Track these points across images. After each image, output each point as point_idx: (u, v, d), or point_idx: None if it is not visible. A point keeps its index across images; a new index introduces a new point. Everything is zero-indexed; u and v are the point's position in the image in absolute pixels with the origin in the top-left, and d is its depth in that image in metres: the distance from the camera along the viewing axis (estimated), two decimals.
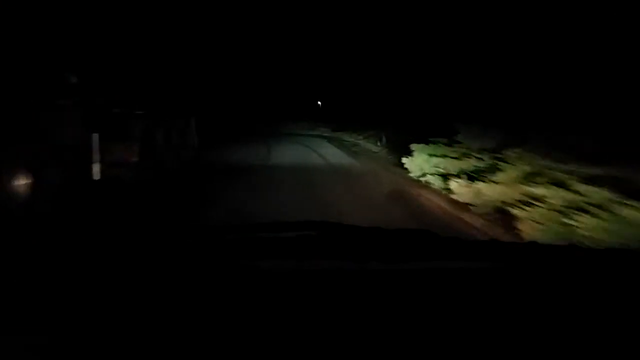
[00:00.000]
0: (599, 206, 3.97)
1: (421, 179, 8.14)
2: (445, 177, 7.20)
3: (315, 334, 0.74)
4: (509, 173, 5.77)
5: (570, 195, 4.40)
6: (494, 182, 5.86)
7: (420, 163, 8.06)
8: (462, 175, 6.62)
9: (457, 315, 0.81)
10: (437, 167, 7.40)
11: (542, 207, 4.53)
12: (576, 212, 4.07)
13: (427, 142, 8.75)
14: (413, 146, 8.85)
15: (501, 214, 5.34)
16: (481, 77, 11.32)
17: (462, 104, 12.03)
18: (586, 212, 3.98)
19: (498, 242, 1.24)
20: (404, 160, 8.91)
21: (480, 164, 6.69)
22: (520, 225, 4.72)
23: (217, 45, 31.97)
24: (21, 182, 5.40)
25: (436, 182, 7.44)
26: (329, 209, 6.30)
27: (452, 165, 7.02)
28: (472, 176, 6.49)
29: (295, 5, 29.26)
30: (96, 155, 6.93)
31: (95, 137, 6.95)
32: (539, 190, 4.78)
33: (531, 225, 4.46)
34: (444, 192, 7.20)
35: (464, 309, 0.83)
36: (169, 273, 0.96)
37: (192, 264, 1.01)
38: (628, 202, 3.76)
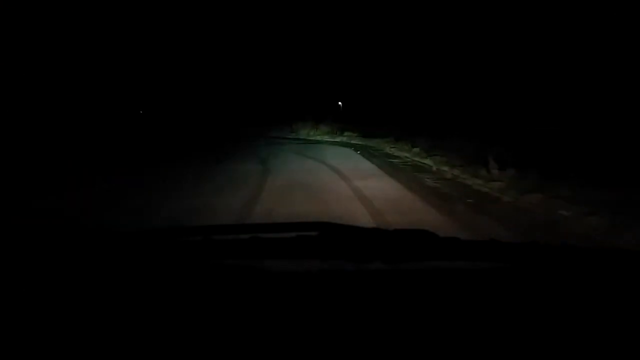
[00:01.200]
0: None
1: None
2: None
3: (315, 334, 0.72)
4: None
5: None
6: None
7: None
8: None
9: (457, 316, 0.78)
10: None
11: None
12: None
13: None
14: None
15: None
16: None
17: None
18: None
19: (498, 242, 1.11)
20: None
21: None
22: None
23: (215, 38, 25.66)
24: None
25: None
26: None
27: None
28: None
29: None
30: None
31: None
32: None
33: None
34: None
35: (463, 309, 0.81)
36: (165, 274, 0.93)
37: (191, 265, 0.98)
38: None
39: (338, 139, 21.47)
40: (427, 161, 10.97)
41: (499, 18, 15.92)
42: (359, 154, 14.61)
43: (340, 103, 26.19)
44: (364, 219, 5.07)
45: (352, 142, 19.92)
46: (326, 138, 22.43)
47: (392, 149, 14.83)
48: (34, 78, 18.37)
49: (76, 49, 21.53)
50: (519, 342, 0.71)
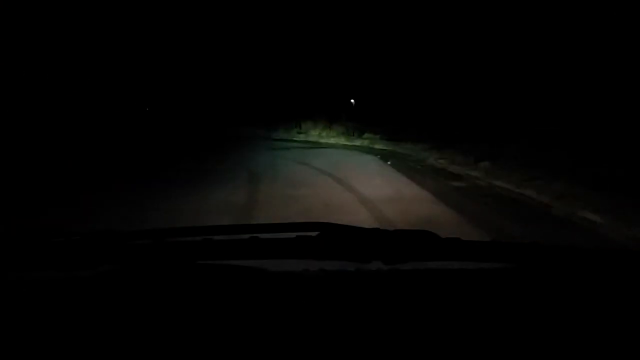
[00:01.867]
0: None
1: None
2: None
3: (315, 335, 0.71)
4: None
5: None
6: None
7: None
8: None
9: (458, 317, 0.76)
10: None
11: None
12: None
13: None
14: None
15: None
16: None
17: None
18: None
19: (499, 242, 1.12)
20: None
21: None
22: None
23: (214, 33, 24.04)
24: None
25: None
26: None
27: None
28: None
29: None
30: None
31: None
32: None
33: None
34: None
35: (465, 310, 0.79)
36: (164, 274, 0.91)
37: (189, 265, 0.95)
38: None
39: (357, 143, 17.13)
40: (530, 192, 6.28)
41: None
42: (391, 166, 10.27)
43: (352, 100, 21.83)
44: None
45: (376, 147, 15.57)
46: (342, 141, 18.10)
47: (440, 161, 10.38)
48: (40, 78, 17.91)
49: (84, 48, 20.83)
50: (521, 342, 0.69)
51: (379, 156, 12.65)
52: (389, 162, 11.14)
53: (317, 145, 16.91)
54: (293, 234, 0.97)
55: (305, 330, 0.71)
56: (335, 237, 0.98)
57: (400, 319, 0.75)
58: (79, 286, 0.86)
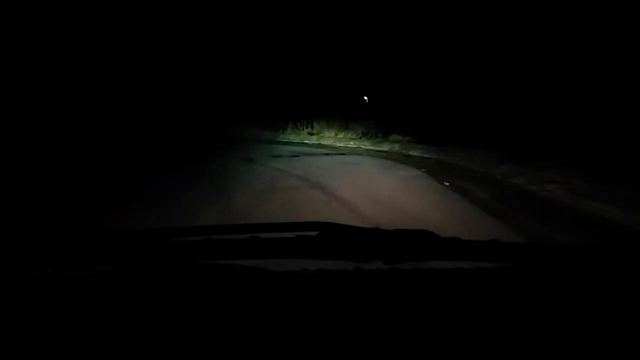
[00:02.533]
0: None
1: None
2: None
3: (315, 334, 0.71)
4: None
5: None
6: None
7: None
8: None
9: (457, 316, 0.77)
10: None
11: None
12: None
13: None
14: None
15: None
16: None
17: None
18: None
19: (499, 242, 1.05)
20: None
21: None
22: None
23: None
24: None
25: None
26: None
27: None
28: None
29: None
30: None
31: None
32: None
33: None
34: None
35: (464, 309, 0.79)
36: (163, 274, 0.91)
37: (189, 265, 0.94)
38: None
39: (385, 147, 13.15)
40: None
41: None
42: (458, 192, 6.35)
43: (366, 97, 17.96)
44: None
45: (412, 154, 11.58)
46: (365, 145, 14.14)
47: (549, 188, 6.31)
48: (43, 76, 16.82)
49: (87, 46, 19.62)
50: (521, 342, 0.68)
51: (423, 170, 8.69)
52: (446, 184, 7.19)
53: (334, 150, 12.95)
54: (293, 234, 0.95)
55: (305, 329, 0.70)
56: (335, 237, 0.97)
57: (400, 319, 0.74)
58: (79, 286, 0.86)
